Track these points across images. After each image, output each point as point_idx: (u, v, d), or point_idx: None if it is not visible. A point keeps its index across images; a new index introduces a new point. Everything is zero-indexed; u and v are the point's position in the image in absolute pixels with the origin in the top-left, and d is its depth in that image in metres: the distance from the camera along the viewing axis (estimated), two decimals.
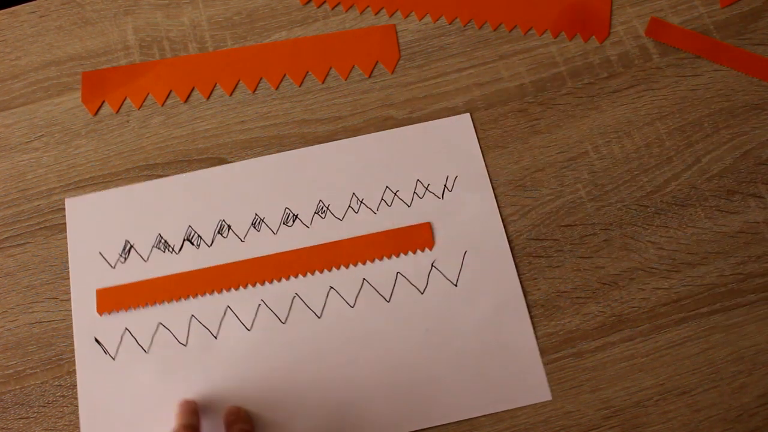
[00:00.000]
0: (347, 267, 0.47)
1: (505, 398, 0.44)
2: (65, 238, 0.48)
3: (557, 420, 0.44)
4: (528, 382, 0.44)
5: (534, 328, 0.46)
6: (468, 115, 0.50)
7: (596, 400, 0.44)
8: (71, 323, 0.46)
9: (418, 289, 0.46)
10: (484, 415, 0.44)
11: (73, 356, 0.46)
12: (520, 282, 0.46)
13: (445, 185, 0.49)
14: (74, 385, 0.45)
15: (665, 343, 0.45)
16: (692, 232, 0.47)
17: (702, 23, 0.52)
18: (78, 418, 0.44)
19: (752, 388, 0.44)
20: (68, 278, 0.47)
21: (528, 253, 0.47)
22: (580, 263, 0.47)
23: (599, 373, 0.45)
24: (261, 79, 0.52)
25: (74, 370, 0.45)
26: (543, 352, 0.45)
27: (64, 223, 0.49)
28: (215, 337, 0.46)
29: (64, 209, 0.49)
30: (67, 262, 0.47)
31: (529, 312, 0.46)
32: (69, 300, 0.47)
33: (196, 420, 0.42)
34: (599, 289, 0.46)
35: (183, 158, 0.50)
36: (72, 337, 0.46)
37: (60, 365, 0.46)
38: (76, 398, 0.45)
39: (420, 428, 0.44)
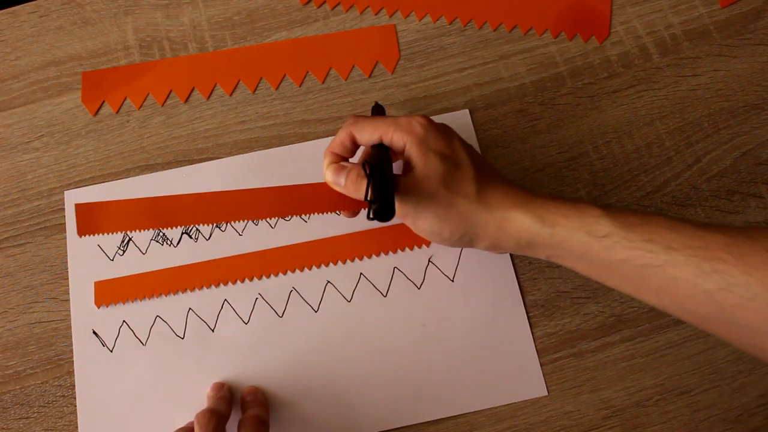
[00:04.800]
0: (344, 262, 0.47)
1: (501, 393, 0.44)
2: (65, 238, 0.48)
3: (557, 420, 0.44)
4: (524, 378, 0.44)
5: (530, 324, 0.46)
6: (467, 111, 0.50)
7: (596, 400, 0.44)
8: (71, 323, 0.46)
9: (414, 284, 0.47)
10: (484, 415, 0.44)
11: (73, 356, 0.46)
12: (517, 278, 0.46)
13: None
14: (74, 385, 0.45)
15: (665, 343, 0.45)
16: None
17: (702, 23, 0.52)
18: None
19: (752, 388, 0.44)
20: (68, 278, 0.47)
21: None
22: None
23: (599, 373, 0.45)
24: (261, 79, 0.52)
25: (74, 370, 0.45)
26: (543, 352, 0.45)
27: (64, 224, 0.49)
28: (212, 330, 0.46)
29: (64, 209, 0.49)
30: (67, 262, 0.48)
31: (529, 312, 0.46)
32: (69, 300, 0.47)
33: (225, 407, 0.42)
34: (599, 289, 0.46)
35: (183, 158, 0.50)
36: (72, 337, 0.46)
37: (60, 365, 0.46)
38: (76, 398, 0.45)
39: (415, 423, 0.44)
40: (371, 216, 0.35)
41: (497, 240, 0.38)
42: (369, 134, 0.40)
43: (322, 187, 0.41)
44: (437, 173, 0.37)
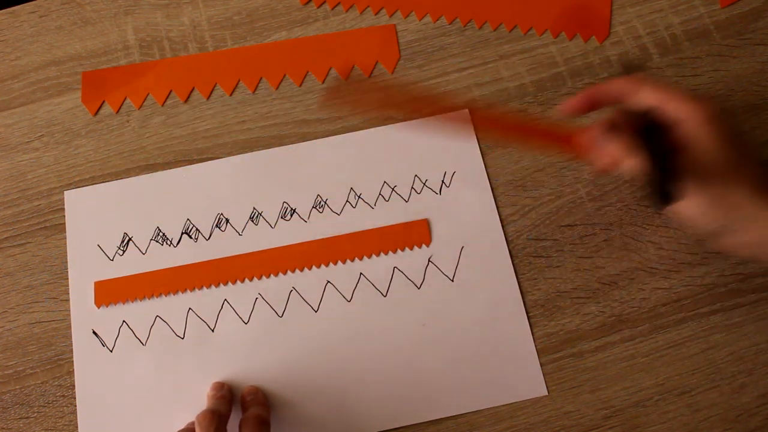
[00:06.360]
0: (344, 262, 0.47)
1: (501, 393, 0.44)
2: (65, 238, 0.48)
3: (557, 420, 0.44)
4: (524, 378, 0.44)
5: (530, 323, 0.46)
6: (466, 110, 0.50)
7: (596, 400, 0.44)
8: (71, 323, 0.46)
9: (414, 284, 0.47)
10: (484, 415, 0.44)
11: (73, 356, 0.46)
12: (518, 279, 0.46)
13: (442, 181, 0.49)
14: (74, 385, 0.45)
15: (665, 343, 0.45)
16: (692, 232, 0.47)
17: (702, 23, 0.52)
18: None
19: (752, 388, 0.44)
20: (68, 278, 0.47)
21: (528, 253, 0.47)
22: (580, 263, 0.47)
23: (599, 373, 0.45)
24: (261, 79, 0.52)
25: (74, 370, 0.45)
26: (543, 352, 0.45)
27: (64, 223, 0.49)
28: (212, 330, 0.46)
29: (63, 209, 0.49)
30: (67, 262, 0.48)
31: (529, 312, 0.46)
32: (69, 300, 0.47)
33: (226, 407, 0.42)
34: (599, 289, 0.46)
35: (183, 158, 0.50)
36: (72, 337, 0.46)
37: (60, 365, 0.46)
38: (76, 398, 0.45)
39: (415, 423, 0.44)
40: (654, 204, 0.32)
41: (759, 237, 0.35)
42: (648, 96, 0.36)
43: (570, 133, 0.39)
44: (722, 156, 0.34)
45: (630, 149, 0.36)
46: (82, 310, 0.46)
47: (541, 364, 0.45)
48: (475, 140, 0.50)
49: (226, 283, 0.47)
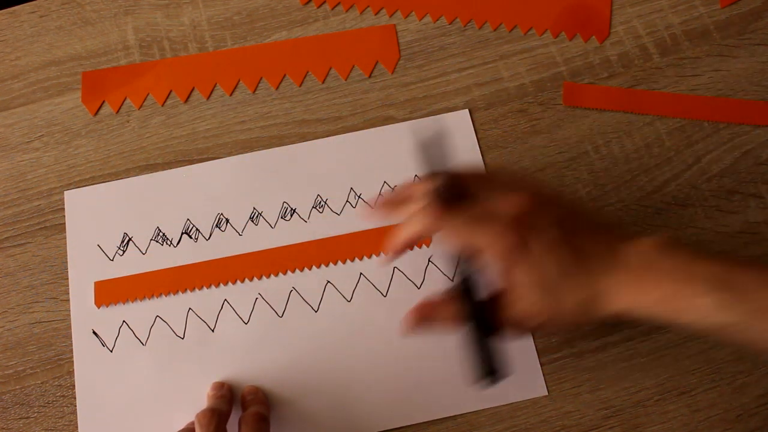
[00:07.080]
0: (344, 262, 0.47)
1: (501, 393, 0.44)
2: (65, 238, 0.48)
3: (557, 420, 0.44)
4: (524, 378, 0.44)
5: None
6: (467, 110, 0.50)
7: (596, 400, 0.44)
8: (71, 323, 0.46)
9: (414, 284, 0.47)
10: (484, 415, 0.44)
11: (73, 356, 0.46)
12: None
13: None
14: (74, 385, 0.45)
15: (665, 343, 0.45)
16: (692, 232, 0.47)
17: (702, 23, 0.52)
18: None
19: (752, 388, 0.44)
20: (68, 278, 0.47)
21: None
22: None
23: (599, 373, 0.45)
24: (261, 79, 0.52)
25: (74, 370, 0.45)
26: (543, 351, 0.45)
27: (64, 223, 0.49)
28: (212, 331, 0.46)
29: (63, 209, 0.49)
30: (67, 262, 0.48)
31: None
32: (69, 300, 0.47)
33: (226, 406, 0.42)
34: None
35: (183, 158, 0.50)
36: (72, 337, 0.46)
37: (60, 365, 0.46)
38: (76, 398, 0.45)
39: (415, 423, 0.44)
40: (484, 383, 0.34)
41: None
42: (452, 243, 0.36)
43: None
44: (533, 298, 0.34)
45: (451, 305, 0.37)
46: (82, 310, 0.46)
47: (541, 364, 0.45)
48: (476, 140, 0.50)
49: (226, 283, 0.47)
